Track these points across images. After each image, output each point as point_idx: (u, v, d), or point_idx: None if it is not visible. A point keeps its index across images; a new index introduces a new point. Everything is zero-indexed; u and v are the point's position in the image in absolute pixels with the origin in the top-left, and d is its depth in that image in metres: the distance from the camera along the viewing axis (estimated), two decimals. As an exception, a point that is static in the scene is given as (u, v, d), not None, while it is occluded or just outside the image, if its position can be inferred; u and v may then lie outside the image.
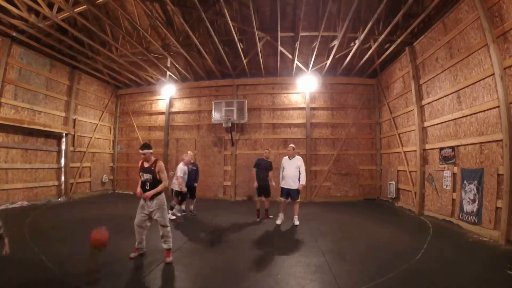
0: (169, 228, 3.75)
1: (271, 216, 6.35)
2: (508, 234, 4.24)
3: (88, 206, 7.66)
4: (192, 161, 6.79)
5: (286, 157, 5.99)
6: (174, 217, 6.16)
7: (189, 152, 6.79)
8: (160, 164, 3.75)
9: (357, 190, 9.63)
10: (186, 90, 10.82)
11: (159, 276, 3.25)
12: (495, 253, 3.95)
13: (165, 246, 3.70)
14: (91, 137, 10.12)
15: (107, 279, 3.11)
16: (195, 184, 6.76)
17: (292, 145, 6.07)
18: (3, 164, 7.05)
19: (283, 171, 5.89)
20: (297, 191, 5.73)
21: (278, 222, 5.85)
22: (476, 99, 5.15)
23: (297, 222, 5.75)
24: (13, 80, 7.28)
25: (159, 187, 3.68)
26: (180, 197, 6.26)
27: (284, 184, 5.79)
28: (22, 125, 7.34)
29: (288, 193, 5.76)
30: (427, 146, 6.76)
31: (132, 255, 3.72)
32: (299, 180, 5.72)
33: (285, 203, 5.89)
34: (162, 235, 3.70)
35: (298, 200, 5.82)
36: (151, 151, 3.78)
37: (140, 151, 3.78)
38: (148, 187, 3.68)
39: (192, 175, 6.60)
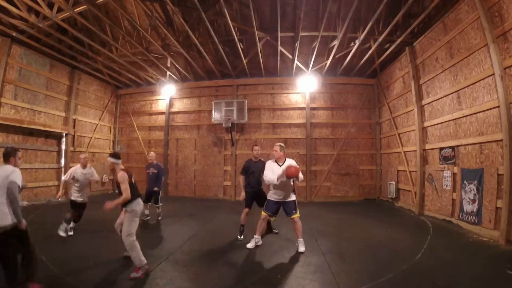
0: (131, 240, 3.26)
1: (276, 231, 5.14)
2: (508, 234, 4.24)
3: (88, 206, 7.62)
4: (154, 163, 6.27)
5: (271, 161, 4.27)
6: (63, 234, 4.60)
7: (151, 153, 6.47)
8: (119, 175, 3.41)
9: (357, 190, 9.62)
10: (186, 90, 10.82)
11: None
12: (495, 253, 3.95)
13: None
14: (91, 137, 10.13)
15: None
16: (156, 189, 6.06)
17: (279, 143, 4.36)
18: (3, 164, 7.04)
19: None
20: (293, 203, 4.19)
21: (250, 246, 4.33)
22: (476, 99, 5.15)
23: (302, 248, 4.13)
24: (13, 80, 7.28)
25: (118, 200, 3.32)
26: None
27: (273, 197, 4.22)
28: (22, 125, 7.34)
29: (279, 208, 4.28)
30: (427, 146, 6.76)
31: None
32: (294, 192, 4.25)
33: (264, 222, 4.40)
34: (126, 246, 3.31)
35: (297, 214, 4.16)
36: (112, 160, 3.51)
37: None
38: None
39: (153, 179, 6.08)
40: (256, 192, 4.85)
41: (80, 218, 4.94)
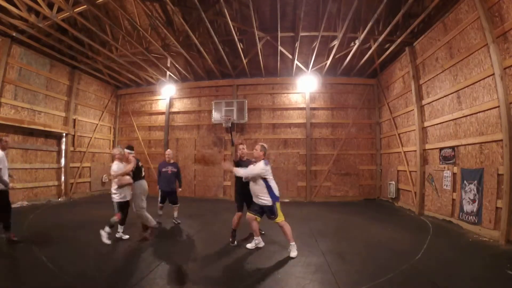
0: (140, 213, 4.56)
1: (263, 232, 4.84)
2: (508, 234, 4.24)
3: (88, 206, 7.65)
4: (172, 161, 5.93)
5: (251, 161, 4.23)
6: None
7: (168, 150, 6.07)
8: (130, 159, 4.69)
9: (357, 190, 9.63)
10: (186, 90, 10.82)
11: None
12: (495, 253, 3.94)
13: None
14: (91, 137, 10.12)
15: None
16: (180, 189, 5.94)
17: (262, 143, 4.15)
18: (3, 164, 7.04)
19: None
20: (270, 208, 3.94)
21: (250, 246, 4.27)
22: (476, 99, 5.15)
23: (293, 253, 3.85)
24: (13, 80, 7.28)
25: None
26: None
27: (254, 198, 4.12)
28: (22, 125, 7.34)
29: (262, 209, 4.02)
30: (427, 146, 6.76)
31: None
32: (269, 195, 3.92)
33: (256, 223, 4.15)
34: None
35: (278, 219, 3.96)
36: (128, 151, 4.80)
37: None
38: None
39: (169, 178, 5.74)
40: (245, 194, 4.38)
41: (126, 217, 4.59)
